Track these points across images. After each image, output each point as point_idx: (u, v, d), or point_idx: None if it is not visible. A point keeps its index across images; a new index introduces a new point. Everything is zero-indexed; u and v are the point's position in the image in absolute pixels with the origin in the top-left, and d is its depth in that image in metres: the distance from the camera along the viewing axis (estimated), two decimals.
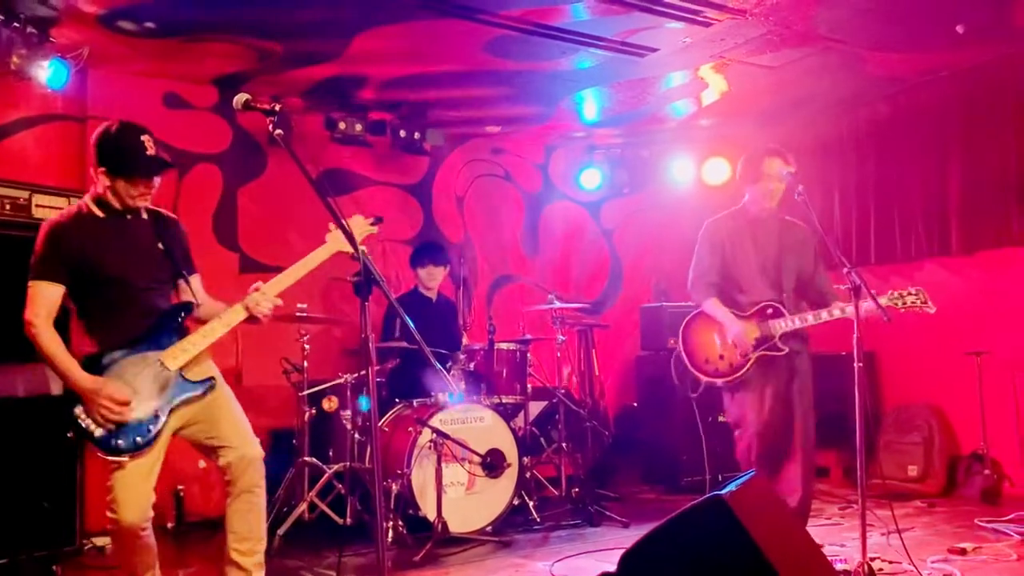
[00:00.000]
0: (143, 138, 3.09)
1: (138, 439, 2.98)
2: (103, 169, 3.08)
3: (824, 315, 4.01)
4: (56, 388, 4.10)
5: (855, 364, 3.48)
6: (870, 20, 4.80)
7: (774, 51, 5.19)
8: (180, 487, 5.17)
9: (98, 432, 2.93)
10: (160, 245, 3.21)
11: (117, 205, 3.13)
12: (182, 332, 3.16)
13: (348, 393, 5.00)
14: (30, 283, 3.04)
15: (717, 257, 4.31)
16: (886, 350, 6.21)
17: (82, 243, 3.07)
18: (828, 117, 6.49)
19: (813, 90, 5.97)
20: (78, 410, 2.93)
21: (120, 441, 2.94)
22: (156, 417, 3.03)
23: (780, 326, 4.09)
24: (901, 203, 6.11)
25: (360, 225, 3.39)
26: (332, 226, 3.25)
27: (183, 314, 3.21)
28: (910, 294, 3.85)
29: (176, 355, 3.09)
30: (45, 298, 3.02)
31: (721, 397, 4.40)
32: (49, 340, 2.99)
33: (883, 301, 3.81)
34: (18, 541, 3.92)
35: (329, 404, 4.98)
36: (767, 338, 4.10)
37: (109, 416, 2.92)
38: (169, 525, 5.12)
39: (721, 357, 4.20)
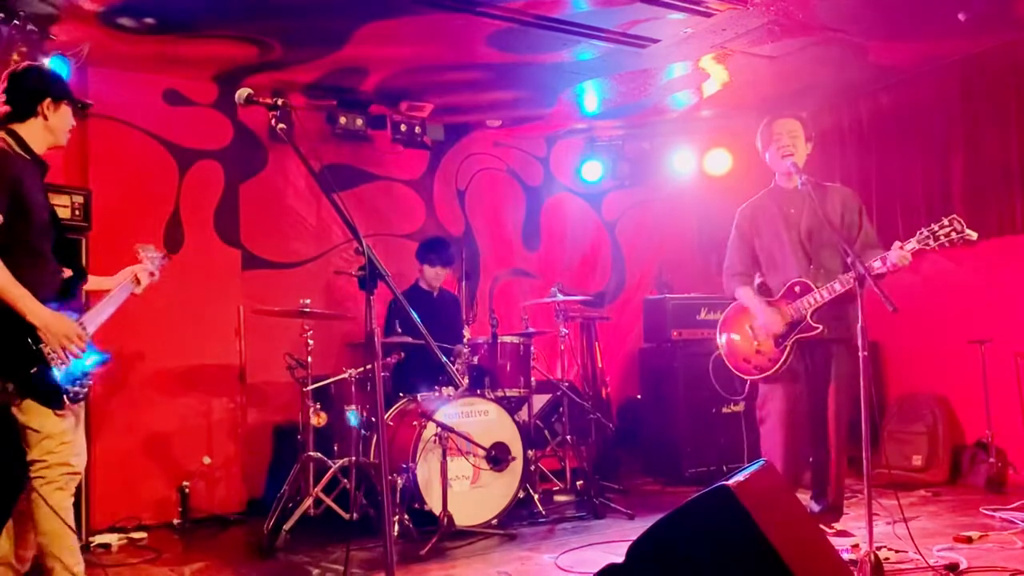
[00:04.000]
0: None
1: (83, 391, 3.01)
2: (47, 100, 3.07)
3: (848, 280, 3.85)
4: None
5: (860, 353, 3.45)
6: (871, 9, 4.79)
7: (775, 41, 5.17)
8: (185, 483, 5.18)
9: (59, 375, 2.91)
10: (48, 199, 3.18)
11: (41, 147, 3.10)
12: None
13: (352, 388, 5.00)
14: None
15: (745, 245, 4.28)
16: (890, 339, 6.20)
17: (22, 176, 2.96)
18: (830, 107, 6.48)
19: (814, 80, 5.96)
20: (46, 347, 2.88)
21: (75, 388, 2.96)
22: (88, 375, 3.06)
23: (808, 303, 4.01)
24: (903, 192, 6.10)
25: (151, 256, 3.51)
26: (140, 248, 3.48)
27: (82, 282, 3.23)
28: (943, 227, 3.62)
29: (94, 319, 3.14)
30: None
31: (735, 388, 4.36)
32: None
33: (911, 244, 3.71)
34: None
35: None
36: (799, 320, 4.04)
37: (74, 352, 2.92)
38: (175, 521, 5.13)
39: (759, 352, 4.12)
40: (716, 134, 6.99)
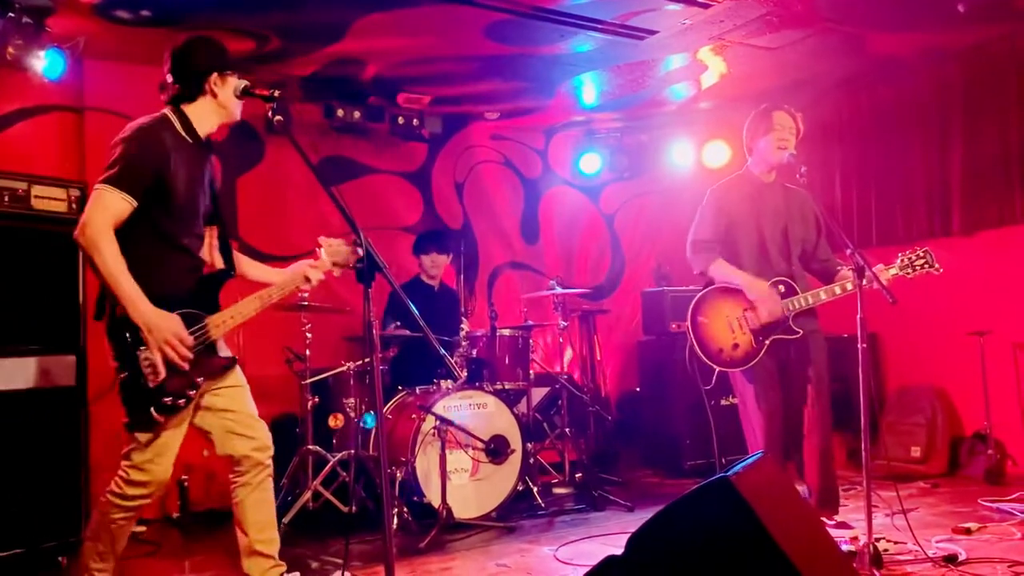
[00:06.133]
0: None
1: (180, 401, 2.78)
2: (214, 75, 2.88)
3: (837, 290, 3.96)
4: (55, 380, 4.09)
5: (859, 345, 3.46)
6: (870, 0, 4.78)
7: (774, 32, 5.16)
8: (184, 477, 5.17)
9: (152, 382, 2.70)
10: (211, 187, 3.01)
11: (211, 125, 2.93)
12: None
13: (351, 381, 4.99)
14: (100, 186, 2.70)
15: (722, 223, 4.18)
16: (889, 331, 6.21)
17: (168, 159, 2.78)
18: (828, 98, 6.46)
19: (813, 71, 5.94)
20: (142, 353, 2.68)
21: (169, 399, 2.74)
22: (196, 384, 2.84)
23: (793, 305, 4.02)
24: (902, 184, 6.09)
25: (339, 251, 3.26)
26: (325, 243, 3.22)
27: (226, 279, 3.02)
28: (919, 257, 3.84)
29: (220, 324, 2.91)
30: (112, 209, 2.69)
31: (728, 379, 4.34)
32: (113, 252, 2.65)
33: (893, 270, 3.85)
34: (24, 532, 3.92)
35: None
36: (781, 320, 4.04)
37: (174, 358, 2.70)
38: (174, 515, 5.12)
39: (735, 346, 4.09)
40: (715, 126, 6.98)
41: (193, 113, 2.93)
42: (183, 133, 2.90)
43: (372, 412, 4.83)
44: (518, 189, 7.25)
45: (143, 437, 2.81)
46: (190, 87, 2.92)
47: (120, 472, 2.87)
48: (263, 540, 3.11)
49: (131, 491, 2.87)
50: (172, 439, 2.89)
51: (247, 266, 3.22)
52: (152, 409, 2.73)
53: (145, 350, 2.70)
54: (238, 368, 3.09)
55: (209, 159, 3.02)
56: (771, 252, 4.14)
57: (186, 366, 2.77)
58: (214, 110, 2.96)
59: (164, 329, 2.70)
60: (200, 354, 2.85)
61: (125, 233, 2.73)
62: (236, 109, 3.00)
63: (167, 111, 2.92)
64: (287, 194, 6.02)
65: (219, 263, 3.08)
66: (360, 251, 3.13)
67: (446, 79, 5.87)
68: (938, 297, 5.61)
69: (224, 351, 3.03)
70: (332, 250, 3.25)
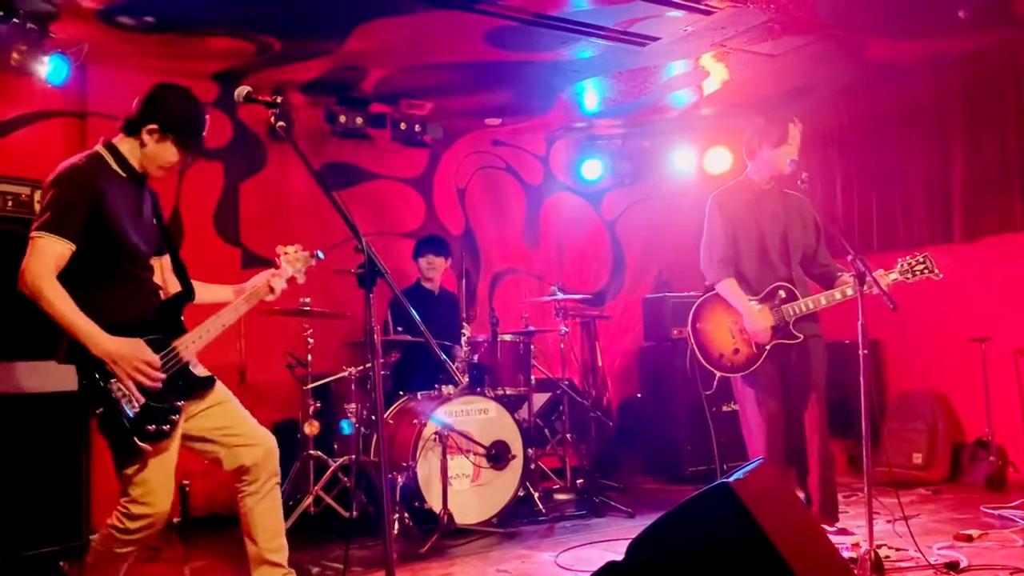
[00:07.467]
0: (207, 116, 2.93)
1: (164, 427, 2.76)
2: (154, 125, 2.85)
3: (837, 295, 3.99)
4: (57, 385, 4.09)
5: (860, 352, 3.47)
6: (871, 6, 4.79)
7: (775, 39, 5.17)
8: (185, 482, 5.17)
9: (130, 411, 2.68)
10: (154, 218, 3.01)
11: (137, 168, 2.91)
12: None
13: (352, 387, 5.00)
14: (35, 234, 2.68)
15: (730, 233, 4.21)
16: (890, 337, 6.20)
17: (103, 195, 2.76)
18: (830, 105, 6.47)
19: (814, 78, 5.95)
20: (114, 385, 2.66)
21: (151, 426, 2.72)
22: (176, 408, 2.83)
23: (793, 310, 4.04)
24: (903, 190, 6.10)
25: (299, 257, 3.26)
26: (282, 252, 3.20)
27: (186, 302, 3.00)
28: (919, 263, 3.86)
29: (189, 344, 2.90)
30: (49, 254, 2.67)
31: (729, 386, 4.35)
32: (58, 295, 2.64)
33: (894, 275, 3.86)
34: (25, 537, 3.92)
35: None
36: (781, 325, 4.05)
37: (145, 383, 2.67)
38: (175, 520, 5.12)
39: (736, 351, 4.11)
40: (716, 132, 6.99)
41: (125, 148, 2.92)
42: (116, 168, 2.88)
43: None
44: (520, 195, 7.26)
45: (131, 471, 2.79)
46: (133, 122, 2.90)
47: (119, 507, 2.84)
48: (273, 548, 3.08)
49: (132, 525, 2.84)
50: (164, 469, 2.85)
51: (201, 291, 3.16)
52: (136, 439, 2.70)
53: (116, 382, 2.68)
54: (219, 384, 3.07)
55: (146, 190, 3.00)
56: (772, 257, 4.17)
57: (159, 386, 2.75)
58: (137, 154, 2.92)
59: (129, 356, 2.68)
60: (175, 377, 2.84)
61: (76, 271, 2.72)
62: (156, 171, 2.95)
63: (100, 148, 2.90)
64: (289, 199, 6.04)
65: (173, 287, 3.06)
66: (320, 256, 3.26)
67: (447, 85, 5.88)
68: (939, 303, 5.62)
69: (200, 371, 3.02)
70: (291, 257, 3.24)
